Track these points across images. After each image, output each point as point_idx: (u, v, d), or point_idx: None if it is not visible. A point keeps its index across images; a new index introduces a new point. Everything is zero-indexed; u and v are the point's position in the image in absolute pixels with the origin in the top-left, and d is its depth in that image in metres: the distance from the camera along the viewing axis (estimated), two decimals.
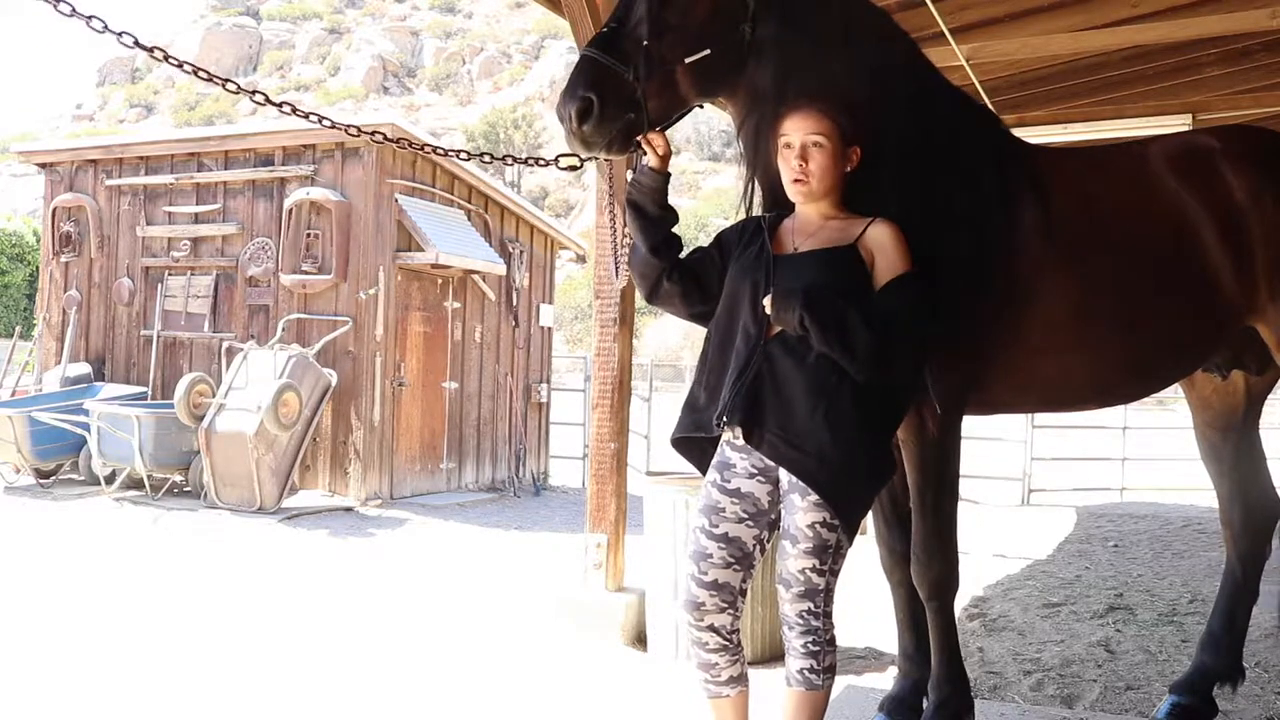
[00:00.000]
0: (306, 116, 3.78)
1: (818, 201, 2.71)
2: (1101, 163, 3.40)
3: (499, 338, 11.63)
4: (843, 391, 2.53)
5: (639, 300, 6.04)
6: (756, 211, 2.94)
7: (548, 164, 3.76)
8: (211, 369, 10.11)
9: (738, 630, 2.68)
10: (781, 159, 2.70)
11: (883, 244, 2.63)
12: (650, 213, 2.80)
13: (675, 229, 2.85)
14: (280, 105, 3.61)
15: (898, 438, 3.01)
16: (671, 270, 2.79)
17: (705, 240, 2.93)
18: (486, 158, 4.04)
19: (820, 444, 2.52)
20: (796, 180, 2.67)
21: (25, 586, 6.01)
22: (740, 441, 2.64)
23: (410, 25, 69.92)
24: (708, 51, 2.75)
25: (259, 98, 3.52)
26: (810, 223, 2.72)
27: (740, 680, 2.69)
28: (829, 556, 2.57)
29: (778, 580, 2.64)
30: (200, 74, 3.46)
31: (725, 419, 2.62)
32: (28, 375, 11.27)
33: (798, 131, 2.66)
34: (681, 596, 2.70)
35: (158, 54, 3.31)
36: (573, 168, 3.28)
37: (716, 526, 2.66)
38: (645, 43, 2.70)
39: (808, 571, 2.57)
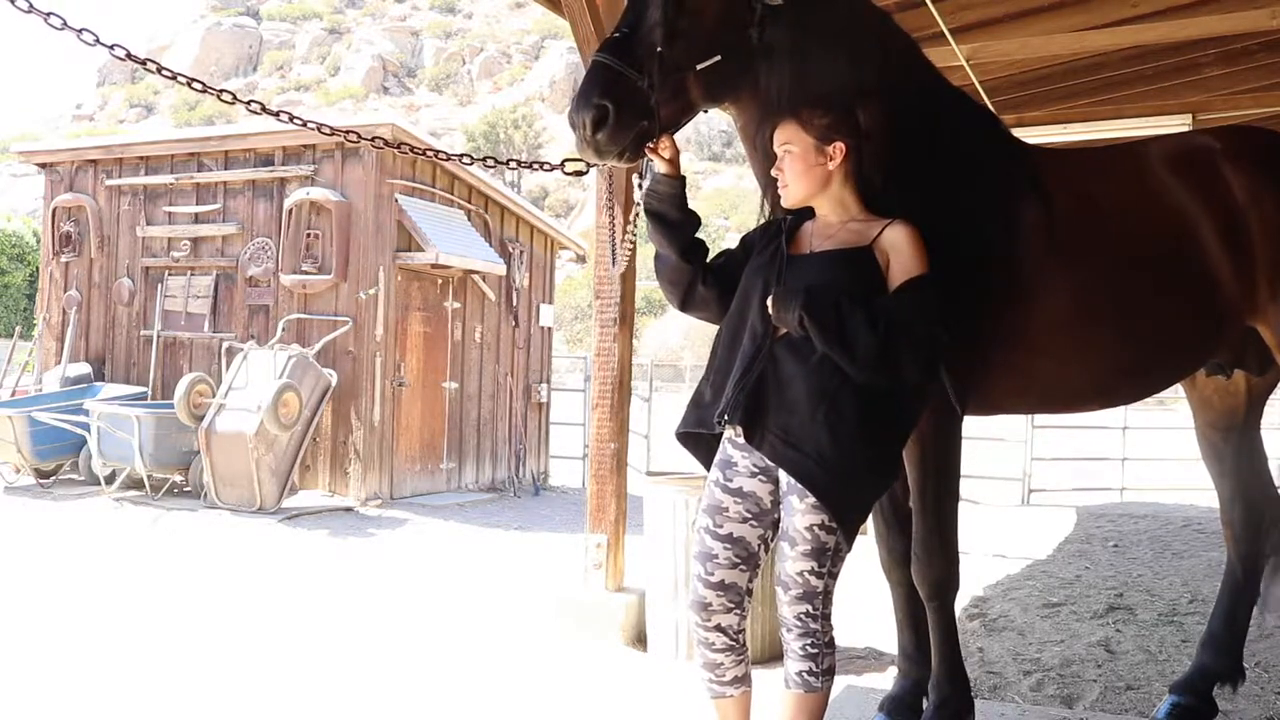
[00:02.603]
0: (305, 124, 3.78)
1: (817, 203, 2.70)
2: (1101, 163, 3.41)
3: (499, 338, 11.63)
4: (845, 394, 2.52)
5: (639, 300, 6.03)
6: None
7: (553, 169, 3.75)
8: (211, 369, 10.11)
9: (744, 630, 2.69)
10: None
11: (897, 245, 2.61)
12: (673, 218, 2.78)
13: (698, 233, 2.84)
14: (278, 114, 3.60)
15: None
16: (705, 275, 2.79)
17: (705, 240, 2.92)
18: (490, 162, 4.02)
19: (819, 446, 2.51)
20: (779, 187, 2.71)
21: (25, 586, 6.01)
22: (741, 440, 2.64)
23: (410, 25, 69.93)
24: (718, 57, 2.73)
25: (254, 106, 3.51)
26: (829, 225, 2.71)
27: (744, 680, 2.70)
28: (827, 559, 2.56)
29: (776, 582, 2.63)
30: (194, 84, 3.45)
31: (727, 417, 2.62)
32: (28, 375, 11.27)
33: (774, 144, 2.71)
34: (688, 597, 2.71)
35: (150, 65, 3.31)
36: (579, 173, 3.27)
37: (721, 527, 2.67)
38: (659, 49, 2.66)
39: (806, 574, 2.56)
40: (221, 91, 3.51)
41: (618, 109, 2.62)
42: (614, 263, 4.54)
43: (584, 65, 4.86)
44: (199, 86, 3.45)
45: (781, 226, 2.78)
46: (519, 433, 11.84)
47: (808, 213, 2.77)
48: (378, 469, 9.80)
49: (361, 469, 9.69)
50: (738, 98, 2.91)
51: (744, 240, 2.87)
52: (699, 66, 2.72)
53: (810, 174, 2.66)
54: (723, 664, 2.66)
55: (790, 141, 2.67)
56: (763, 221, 2.89)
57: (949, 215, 2.93)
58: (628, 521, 5.20)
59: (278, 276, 10.08)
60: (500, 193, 11.60)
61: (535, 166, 3.95)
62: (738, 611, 2.66)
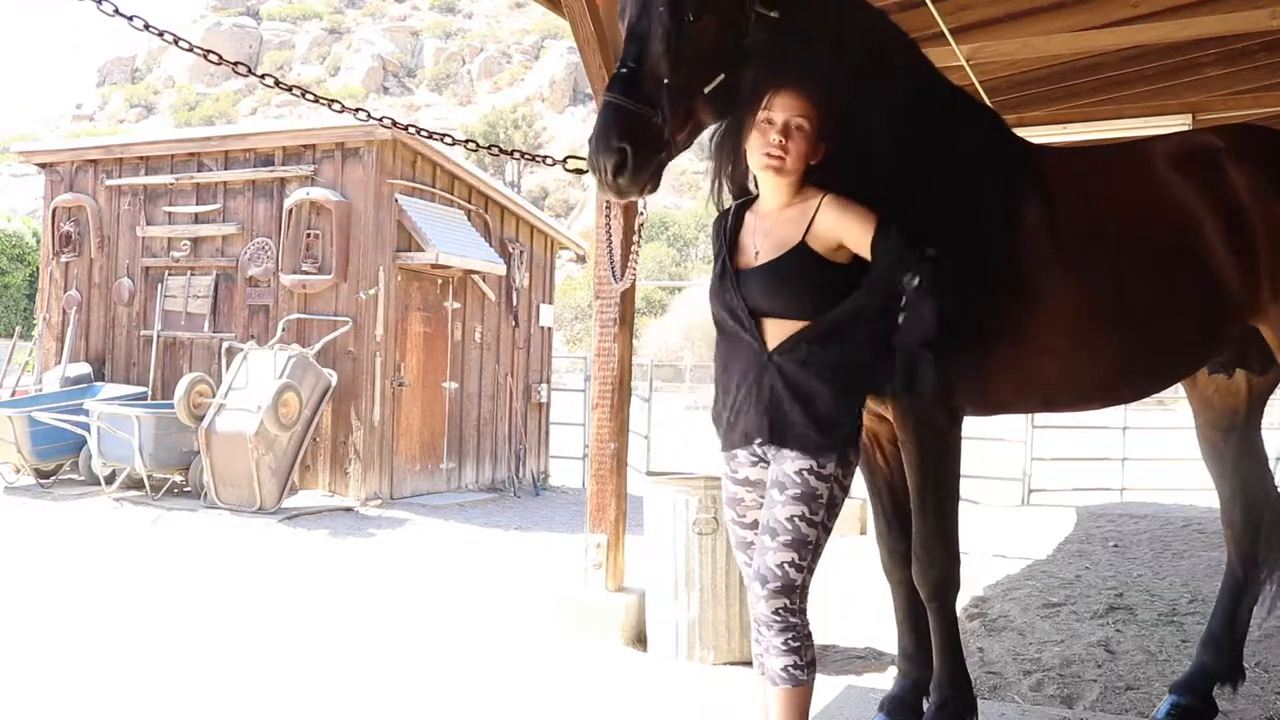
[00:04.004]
0: (317, 100, 3.76)
1: (779, 184, 2.70)
2: (1105, 162, 3.40)
3: (499, 338, 11.63)
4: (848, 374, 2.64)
5: (639, 300, 6.03)
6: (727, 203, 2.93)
7: (555, 164, 3.75)
8: (211, 369, 10.10)
9: None
10: (758, 133, 2.66)
11: (839, 224, 2.65)
12: None
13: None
14: (290, 88, 3.59)
15: (898, 438, 3.01)
16: None
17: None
18: (495, 150, 4.01)
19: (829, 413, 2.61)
20: (771, 155, 2.64)
21: (25, 586, 6.01)
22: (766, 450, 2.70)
23: (410, 25, 69.91)
24: (722, 76, 2.71)
25: (268, 80, 3.50)
26: (768, 216, 2.74)
27: None
28: (808, 552, 2.60)
29: (754, 577, 2.65)
30: (210, 57, 3.44)
31: (759, 439, 2.68)
32: (28, 375, 11.27)
33: (784, 110, 2.65)
34: (747, 581, 2.78)
35: (168, 37, 3.30)
36: (579, 171, 3.25)
37: (744, 516, 2.77)
38: (666, 80, 2.65)
39: (786, 565, 2.59)
40: (237, 64, 3.50)
41: (635, 150, 2.60)
42: (619, 277, 4.54)
43: (584, 66, 4.87)
44: (215, 59, 3.43)
45: (724, 230, 2.79)
46: (519, 433, 11.84)
47: (748, 201, 2.80)
48: (378, 469, 9.80)
49: (361, 469, 9.69)
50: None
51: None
52: (706, 90, 2.70)
53: (804, 160, 2.68)
54: None
55: (807, 118, 2.65)
56: (717, 214, 2.89)
57: (951, 215, 2.93)
58: (628, 521, 5.20)
59: (278, 276, 10.08)
60: (500, 193, 11.59)
61: (539, 160, 3.93)
62: None
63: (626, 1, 2.75)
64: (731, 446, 2.75)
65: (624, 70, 2.68)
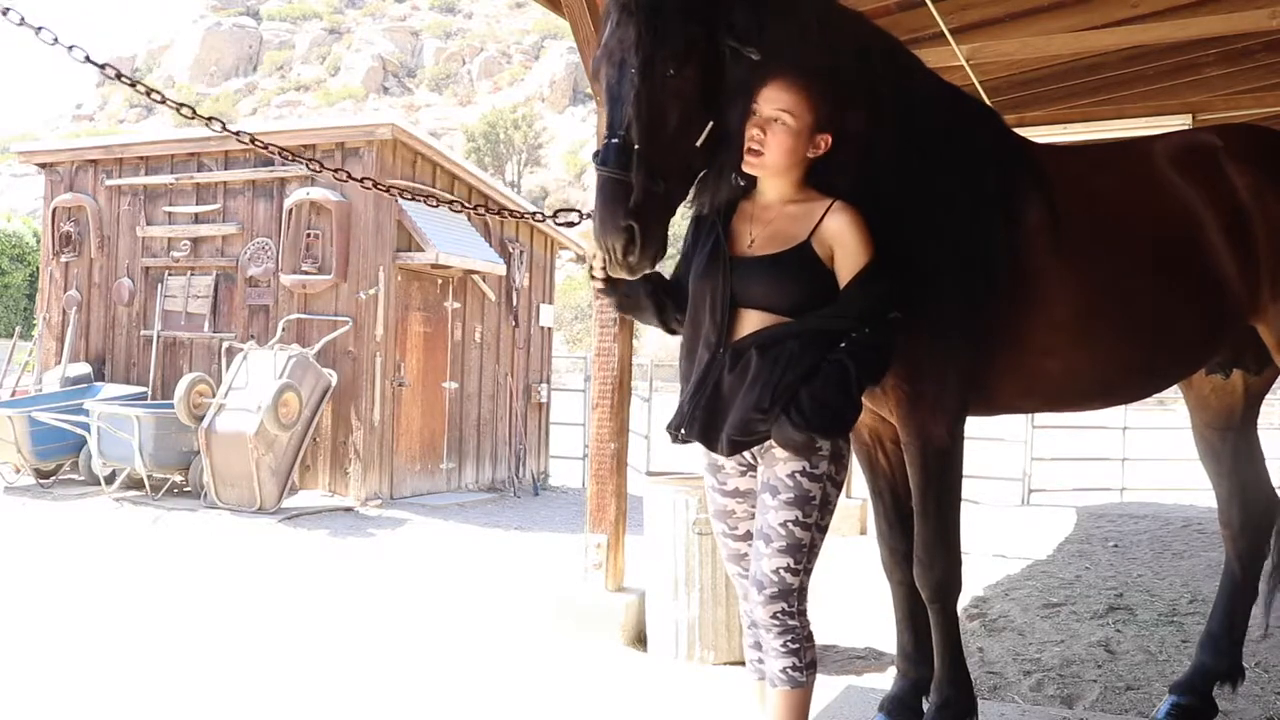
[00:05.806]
0: (266, 147, 3.78)
1: (772, 178, 2.63)
2: (1105, 161, 3.40)
3: (499, 338, 11.64)
4: (789, 378, 2.50)
5: None
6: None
7: (544, 219, 3.73)
8: (211, 369, 10.11)
9: None
10: (747, 126, 2.59)
11: (840, 236, 2.56)
12: (647, 309, 2.80)
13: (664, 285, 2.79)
14: (268, 147, 3.62)
15: (900, 439, 3.01)
16: (677, 312, 2.79)
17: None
18: (482, 212, 3.95)
19: (764, 415, 2.50)
20: (750, 150, 2.57)
21: (25, 586, 6.01)
22: (713, 453, 2.65)
23: (410, 25, 70.01)
24: (711, 124, 2.59)
25: (244, 138, 3.51)
26: (767, 208, 2.66)
27: None
28: (803, 555, 2.56)
29: (750, 583, 2.62)
30: (184, 110, 3.42)
31: (684, 431, 2.62)
32: (28, 375, 11.28)
33: (767, 103, 2.57)
34: (741, 590, 2.74)
35: (140, 88, 3.30)
36: (570, 224, 3.21)
37: (736, 528, 2.71)
38: (659, 145, 2.52)
39: (782, 570, 2.55)
40: (211, 119, 3.51)
41: (643, 225, 2.48)
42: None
43: (584, 66, 4.87)
44: (188, 113, 3.40)
45: (716, 218, 2.69)
46: (519, 433, 11.84)
47: (740, 191, 2.70)
48: (378, 469, 9.80)
49: (361, 469, 9.69)
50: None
51: (684, 253, 2.79)
52: (699, 142, 2.59)
53: (794, 155, 2.58)
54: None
55: (792, 113, 2.56)
56: (695, 214, 2.77)
57: (950, 216, 2.93)
58: (628, 521, 5.20)
59: (278, 276, 10.08)
60: (500, 193, 11.59)
61: (529, 217, 3.88)
62: None
63: (600, 61, 2.62)
64: (694, 441, 2.68)
65: (614, 140, 2.51)
